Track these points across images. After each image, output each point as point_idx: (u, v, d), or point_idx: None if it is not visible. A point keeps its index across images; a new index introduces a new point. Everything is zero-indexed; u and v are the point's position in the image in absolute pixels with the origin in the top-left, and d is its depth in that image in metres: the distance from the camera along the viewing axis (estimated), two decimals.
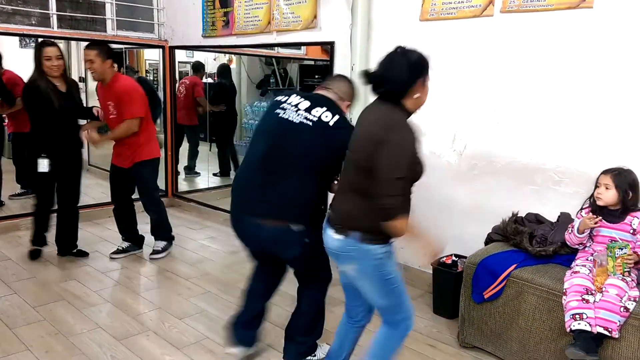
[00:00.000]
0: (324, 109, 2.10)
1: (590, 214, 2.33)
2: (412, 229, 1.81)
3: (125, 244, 3.88)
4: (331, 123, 2.07)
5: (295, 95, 2.19)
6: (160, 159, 3.89)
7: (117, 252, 3.82)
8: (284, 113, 2.12)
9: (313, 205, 2.17)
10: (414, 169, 1.74)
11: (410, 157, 1.70)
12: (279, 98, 2.21)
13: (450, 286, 2.85)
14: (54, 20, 4.47)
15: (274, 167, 2.08)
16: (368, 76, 1.81)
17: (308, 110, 2.10)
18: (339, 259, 1.93)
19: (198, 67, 6.54)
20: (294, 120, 2.08)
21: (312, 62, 7.72)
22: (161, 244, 3.87)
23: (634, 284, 2.18)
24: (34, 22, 4.40)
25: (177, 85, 5.74)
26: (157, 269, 3.64)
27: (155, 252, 3.83)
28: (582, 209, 2.43)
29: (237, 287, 3.33)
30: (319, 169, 2.11)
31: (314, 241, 2.09)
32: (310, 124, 2.06)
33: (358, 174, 1.79)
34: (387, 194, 1.68)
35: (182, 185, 5.64)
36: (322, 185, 2.20)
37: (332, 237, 1.89)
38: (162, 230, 3.92)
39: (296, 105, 2.12)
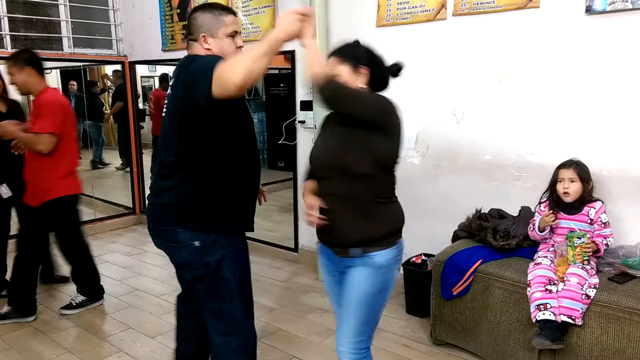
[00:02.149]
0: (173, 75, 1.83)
1: (549, 208, 2.41)
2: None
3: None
4: (170, 90, 1.82)
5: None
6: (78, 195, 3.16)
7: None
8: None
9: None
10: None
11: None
12: None
13: (420, 285, 2.89)
14: (7, 40, 4.37)
15: None
16: None
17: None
18: None
19: (162, 80, 6.57)
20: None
21: (276, 71, 7.74)
22: (79, 298, 3.22)
23: (594, 272, 2.26)
24: None
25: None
26: (127, 288, 3.57)
27: (67, 306, 3.19)
28: (540, 202, 2.51)
29: None
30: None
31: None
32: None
33: None
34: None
35: None
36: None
37: None
38: (83, 282, 3.25)
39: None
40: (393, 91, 1.80)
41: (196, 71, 1.62)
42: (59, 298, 3.40)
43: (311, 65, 1.59)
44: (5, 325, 2.98)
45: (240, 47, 1.85)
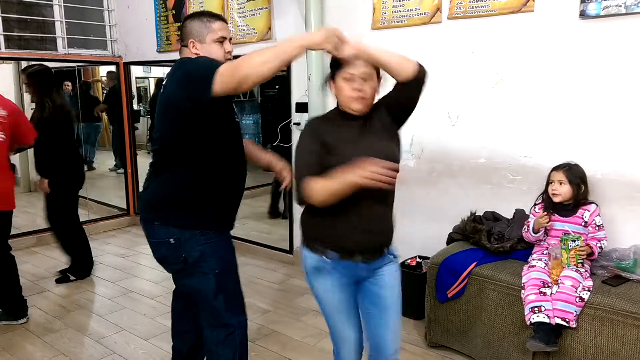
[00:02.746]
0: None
1: (543, 210, 2.42)
2: (331, 183, 1.54)
3: None
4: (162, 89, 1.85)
5: None
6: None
7: None
8: None
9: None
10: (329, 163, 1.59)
11: (301, 157, 1.62)
12: None
13: (415, 287, 2.89)
14: (1, 40, 4.34)
15: None
16: None
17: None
18: None
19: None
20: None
21: None
22: None
23: (588, 275, 2.27)
24: None
25: None
26: (120, 289, 3.55)
27: None
28: (535, 204, 2.52)
29: None
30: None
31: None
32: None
33: None
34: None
35: None
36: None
37: None
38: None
39: None
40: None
41: (195, 69, 1.68)
42: (52, 299, 3.38)
43: (403, 57, 1.65)
44: (0, 327, 2.97)
45: (229, 52, 1.91)
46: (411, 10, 3.07)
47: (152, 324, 3.03)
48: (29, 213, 5.30)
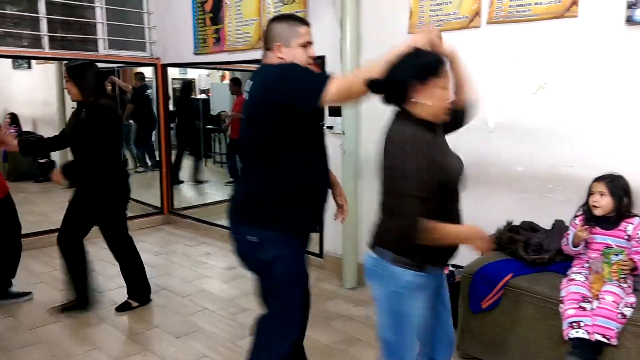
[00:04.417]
0: (249, 82, 1.90)
1: (583, 222, 2.34)
2: (451, 233, 1.61)
3: None
4: (247, 97, 1.88)
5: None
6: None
7: None
8: None
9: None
10: (440, 176, 1.58)
11: (416, 172, 1.52)
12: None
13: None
14: (45, 41, 4.49)
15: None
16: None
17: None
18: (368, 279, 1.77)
19: (237, 83, 6.92)
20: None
21: None
22: None
23: (630, 290, 2.19)
24: (25, 44, 4.42)
25: None
26: (153, 287, 3.60)
27: None
28: (575, 216, 2.44)
29: (235, 304, 3.33)
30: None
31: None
32: (243, 115, 1.93)
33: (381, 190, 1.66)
34: (401, 214, 1.54)
35: (178, 202, 5.63)
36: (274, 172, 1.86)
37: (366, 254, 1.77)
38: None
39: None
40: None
41: (300, 80, 1.73)
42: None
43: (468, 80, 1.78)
44: (37, 319, 3.06)
45: (311, 57, 1.93)
46: (449, 14, 3.03)
47: (184, 322, 3.07)
48: None
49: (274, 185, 1.84)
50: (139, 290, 3.30)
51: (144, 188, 6.30)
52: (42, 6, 4.45)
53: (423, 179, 1.51)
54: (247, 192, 1.91)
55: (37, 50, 4.50)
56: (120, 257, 3.26)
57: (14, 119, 7.21)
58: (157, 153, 5.75)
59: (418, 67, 1.57)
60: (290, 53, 1.87)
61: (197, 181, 6.83)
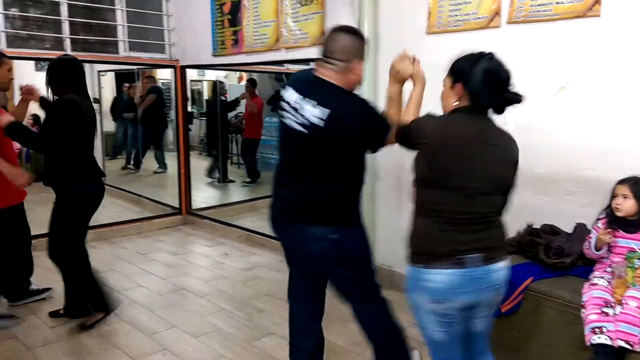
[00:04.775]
0: (314, 103, 1.90)
1: (606, 225, 2.29)
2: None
3: None
4: (322, 124, 1.88)
5: (291, 88, 2.02)
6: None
7: None
8: (285, 118, 2.04)
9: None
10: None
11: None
12: (281, 93, 2.10)
13: None
14: (67, 43, 4.57)
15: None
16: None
17: (301, 108, 1.94)
18: None
19: (253, 84, 7.23)
20: (294, 127, 1.97)
21: None
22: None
23: None
24: (48, 46, 4.51)
25: None
26: (172, 286, 3.66)
27: None
28: (598, 219, 2.39)
29: (252, 304, 3.34)
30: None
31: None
32: (306, 131, 1.92)
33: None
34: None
35: (196, 202, 5.68)
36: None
37: None
38: None
39: (290, 104, 2.00)
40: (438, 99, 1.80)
41: (378, 127, 1.96)
42: None
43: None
44: (58, 318, 3.11)
45: None
46: (468, 14, 2.99)
47: (202, 322, 3.09)
48: None
49: (344, 192, 2.06)
50: (79, 304, 3.06)
51: (162, 188, 6.38)
52: (64, 9, 4.53)
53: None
54: (320, 197, 2.03)
55: (59, 53, 4.57)
56: (68, 265, 2.98)
57: (36, 119, 7.36)
58: (175, 154, 5.83)
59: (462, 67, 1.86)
60: (361, 70, 1.99)
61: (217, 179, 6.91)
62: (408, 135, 1.76)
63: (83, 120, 2.80)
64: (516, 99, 1.73)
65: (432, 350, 1.83)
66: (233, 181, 6.91)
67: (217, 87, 7.19)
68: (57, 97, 2.83)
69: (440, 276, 1.67)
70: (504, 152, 1.78)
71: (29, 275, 3.40)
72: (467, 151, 1.68)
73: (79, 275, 2.98)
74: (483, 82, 1.70)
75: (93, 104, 3.11)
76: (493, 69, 1.72)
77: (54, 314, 3.14)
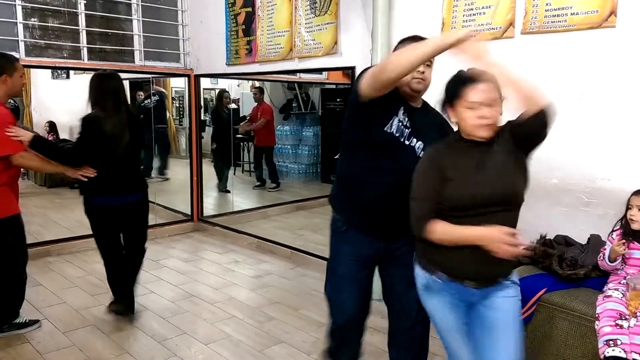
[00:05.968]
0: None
1: (621, 237, 2.27)
2: (456, 232, 1.62)
3: None
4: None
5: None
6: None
7: None
8: None
9: None
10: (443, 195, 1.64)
11: (420, 189, 1.68)
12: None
13: None
14: (84, 52, 4.65)
15: None
16: None
17: None
18: None
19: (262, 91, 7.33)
20: None
21: (333, 86, 7.82)
22: None
23: None
24: (65, 55, 4.59)
25: None
26: (183, 293, 3.67)
27: None
28: (613, 230, 2.37)
29: (262, 312, 3.34)
30: None
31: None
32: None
33: None
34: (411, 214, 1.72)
35: (207, 210, 5.71)
36: None
37: None
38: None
39: None
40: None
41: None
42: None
43: (532, 84, 1.59)
44: (71, 323, 3.14)
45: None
46: (482, 25, 3.00)
47: (212, 329, 3.10)
48: None
49: (340, 178, 2.14)
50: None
51: (174, 195, 6.42)
52: (82, 19, 4.62)
53: (425, 194, 1.66)
54: (334, 180, 2.17)
55: (76, 61, 4.67)
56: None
57: (52, 127, 7.48)
58: (187, 162, 5.87)
59: (445, 91, 1.70)
60: None
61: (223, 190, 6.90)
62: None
63: (101, 137, 2.88)
64: None
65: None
66: (229, 191, 6.88)
67: (222, 97, 7.23)
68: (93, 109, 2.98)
69: None
70: None
71: (19, 302, 3.04)
72: None
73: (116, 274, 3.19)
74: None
75: (132, 118, 3.09)
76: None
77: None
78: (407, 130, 1.92)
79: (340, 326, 2.15)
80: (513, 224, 1.65)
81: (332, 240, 2.13)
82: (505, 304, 1.70)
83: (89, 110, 2.99)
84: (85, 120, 2.92)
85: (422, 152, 1.92)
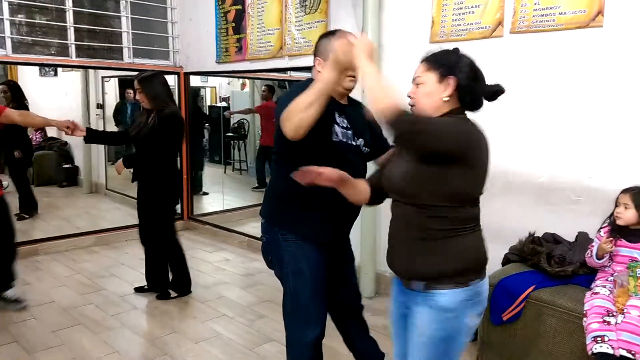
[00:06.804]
0: None
1: (608, 234, 2.30)
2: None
3: None
4: None
5: None
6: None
7: None
8: None
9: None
10: None
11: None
12: None
13: None
14: (72, 49, 4.60)
15: None
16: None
17: None
18: None
19: (271, 90, 7.11)
20: None
21: None
22: None
23: None
24: (53, 52, 4.54)
25: None
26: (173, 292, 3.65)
27: None
28: (601, 228, 2.40)
29: (252, 310, 3.34)
30: None
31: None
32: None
33: None
34: None
35: (197, 208, 5.68)
36: None
37: None
38: None
39: None
40: None
41: (279, 106, 1.80)
42: (109, 298, 3.51)
43: (376, 97, 1.44)
44: (59, 322, 3.11)
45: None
46: (471, 24, 3.02)
47: (202, 327, 3.09)
48: (90, 214, 5.56)
49: (280, 189, 2.06)
50: (180, 282, 3.59)
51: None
52: (70, 16, 4.57)
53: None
54: (267, 191, 2.15)
55: (64, 59, 4.62)
56: (160, 250, 3.55)
57: None
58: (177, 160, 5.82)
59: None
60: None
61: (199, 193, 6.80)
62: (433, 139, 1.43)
63: (181, 130, 3.36)
64: (501, 89, 1.59)
65: None
66: (206, 193, 6.78)
67: (197, 95, 7.13)
68: (157, 109, 3.23)
69: (486, 283, 1.62)
70: None
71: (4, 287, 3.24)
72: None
73: (168, 256, 3.56)
74: (471, 77, 1.57)
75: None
76: (474, 62, 1.60)
77: (139, 290, 3.61)
78: (349, 131, 1.90)
79: (316, 339, 2.05)
80: (419, 220, 1.52)
81: (285, 254, 2.00)
82: (419, 324, 1.55)
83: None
84: (171, 117, 3.23)
85: (365, 149, 1.97)
